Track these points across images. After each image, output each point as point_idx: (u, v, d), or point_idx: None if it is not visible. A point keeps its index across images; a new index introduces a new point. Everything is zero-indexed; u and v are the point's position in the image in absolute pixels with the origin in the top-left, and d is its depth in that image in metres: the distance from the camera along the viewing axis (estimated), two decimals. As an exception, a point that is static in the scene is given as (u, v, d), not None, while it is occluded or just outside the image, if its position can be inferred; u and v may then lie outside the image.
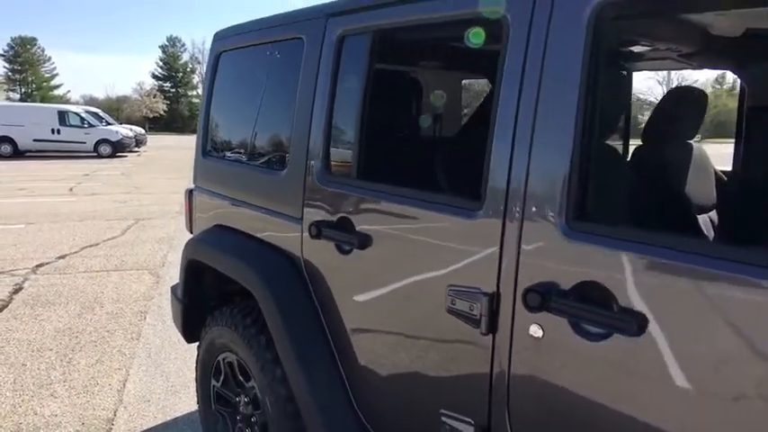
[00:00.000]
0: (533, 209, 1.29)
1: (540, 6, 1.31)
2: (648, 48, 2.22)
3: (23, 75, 68.13)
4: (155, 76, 68.23)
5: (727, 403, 1.04)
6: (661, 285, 1.11)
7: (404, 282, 1.64)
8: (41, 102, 50.82)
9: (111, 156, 22.36)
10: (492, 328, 1.37)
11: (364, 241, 1.73)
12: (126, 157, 23.00)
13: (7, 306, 4.81)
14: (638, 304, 1.12)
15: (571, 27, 1.25)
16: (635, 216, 1.52)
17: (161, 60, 68.17)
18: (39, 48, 69.23)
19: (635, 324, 1.12)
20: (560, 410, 1.29)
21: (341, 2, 1.92)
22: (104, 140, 22.43)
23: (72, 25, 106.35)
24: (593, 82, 1.22)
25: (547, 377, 1.29)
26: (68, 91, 73.50)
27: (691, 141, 2.38)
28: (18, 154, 21.51)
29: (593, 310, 1.18)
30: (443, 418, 1.53)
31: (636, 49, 2.24)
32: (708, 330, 1.04)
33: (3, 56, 67.21)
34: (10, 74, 67.41)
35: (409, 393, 1.69)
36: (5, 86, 65.42)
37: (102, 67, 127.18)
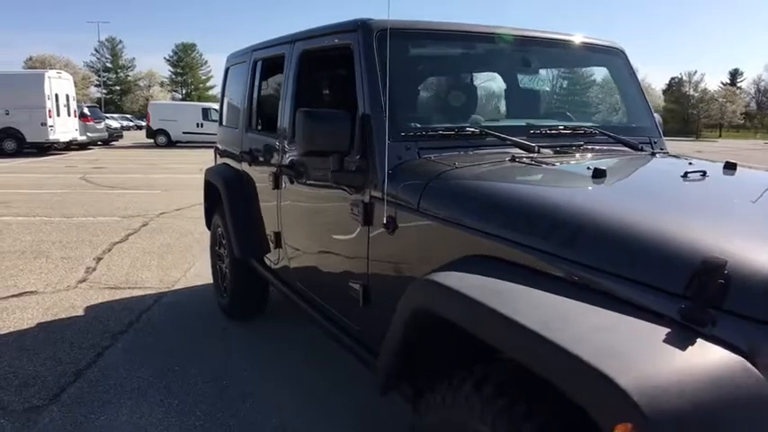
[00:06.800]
0: (283, 137, 3.18)
1: (290, 52, 3.19)
2: None
3: (184, 77, 77.42)
4: (293, 77, 74.15)
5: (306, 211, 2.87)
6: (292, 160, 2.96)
7: (256, 168, 3.63)
8: (198, 101, 57.82)
9: (244, 146, 25.98)
10: (277, 185, 3.27)
11: (254, 157, 3.70)
12: (256, 147, 26.56)
13: (137, 232, 7.38)
14: (295, 167, 2.98)
15: (294, 61, 3.12)
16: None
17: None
18: (197, 52, 78.25)
19: (296, 178, 2.97)
20: (290, 217, 3.17)
21: (258, 43, 3.89)
22: (238, 133, 26.02)
23: (225, 32, 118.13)
24: (298, 86, 3.09)
25: (287, 203, 3.18)
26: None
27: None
28: (171, 144, 25.94)
29: (290, 172, 3.05)
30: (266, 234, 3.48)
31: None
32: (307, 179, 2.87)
33: (168, 60, 76.98)
34: (173, 76, 77.07)
35: (262, 225, 3.65)
36: (169, 87, 74.98)
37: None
